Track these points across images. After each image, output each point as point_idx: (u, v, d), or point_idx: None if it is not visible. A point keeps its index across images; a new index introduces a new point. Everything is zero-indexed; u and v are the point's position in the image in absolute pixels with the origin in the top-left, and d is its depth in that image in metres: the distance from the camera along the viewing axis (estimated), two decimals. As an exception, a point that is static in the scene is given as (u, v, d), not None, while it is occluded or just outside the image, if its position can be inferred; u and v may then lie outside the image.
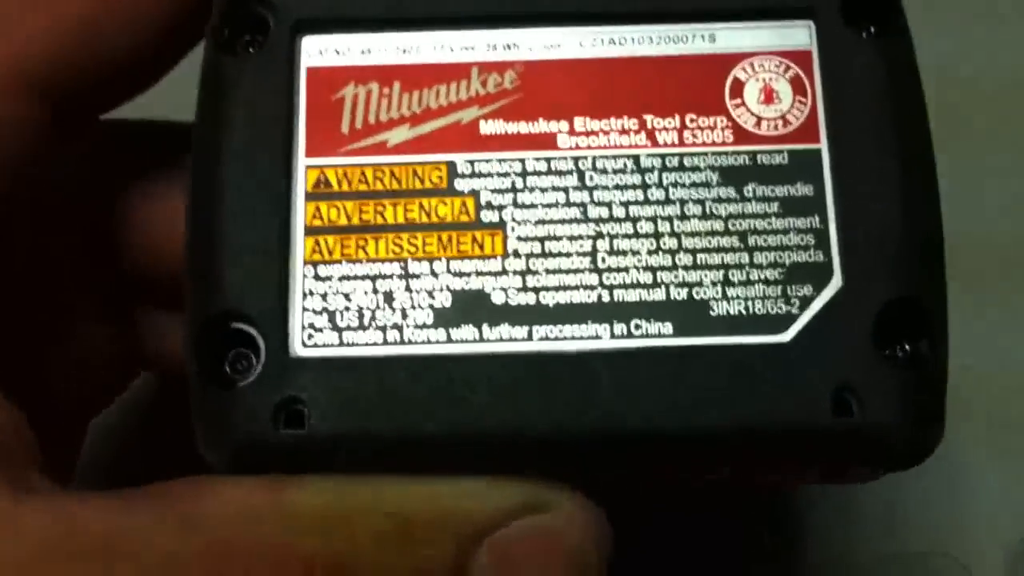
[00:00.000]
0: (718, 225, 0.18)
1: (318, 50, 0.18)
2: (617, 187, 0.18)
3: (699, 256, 0.18)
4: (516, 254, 0.18)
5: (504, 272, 0.18)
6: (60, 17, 0.19)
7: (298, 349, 0.17)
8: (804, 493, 0.26)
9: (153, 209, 0.21)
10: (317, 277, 0.18)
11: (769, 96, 0.18)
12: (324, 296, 0.17)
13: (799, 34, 0.18)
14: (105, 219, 0.21)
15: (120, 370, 0.22)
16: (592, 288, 0.17)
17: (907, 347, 0.17)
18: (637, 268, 0.18)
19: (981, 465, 0.27)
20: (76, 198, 0.21)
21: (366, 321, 0.17)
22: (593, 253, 0.18)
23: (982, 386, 0.27)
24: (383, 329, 0.17)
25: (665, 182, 0.18)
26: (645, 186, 0.18)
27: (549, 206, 0.18)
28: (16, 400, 0.18)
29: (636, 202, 0.18)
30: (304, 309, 0.17)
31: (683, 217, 0.18)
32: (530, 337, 0.17)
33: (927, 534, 0.26)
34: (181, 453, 0.18)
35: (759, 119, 0.18)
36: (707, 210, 0.18)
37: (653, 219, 0.18)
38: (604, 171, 0.18)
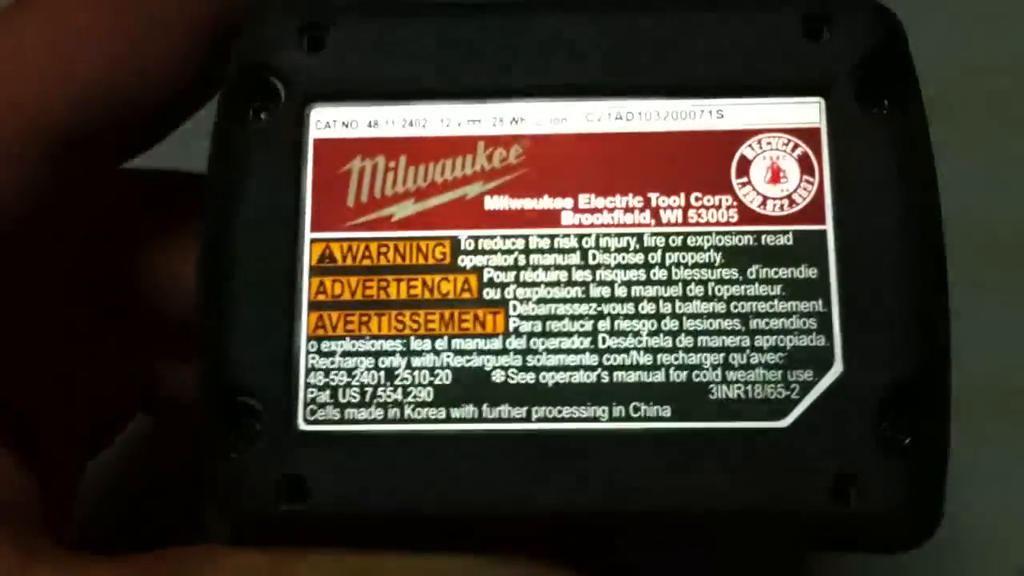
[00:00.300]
0: (720, 307, 0.18)
1: (326, 122, 0.19)
2: (620, 266, 0.18)
3: (700, 338, 0.18)
4: (517, 333, 0.18)
5: (505, 351, 0.18)
6: (77, 78, 0.19)
7: (301, 424, 0.18)
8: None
9: (162, 256, 0.21)
10: (320, 353, 0.18)
11: (776, 175, 0.18)
12: (327, 372, 0.18)
13: (809, 111, 0.18)
14: (115, 263, 0.21)
15: (118, 412, 0.23)
16: (592, 369, 0.18)
17: (908, 432, 0.17)
18: (637, 349, 0.18)
19: (983, 488, 0.27)
20: (90, 244, 0.21)
21: (368, 398, 0.18)
22: (594, 333, 0.18)
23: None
24: (384, 406, 0.18)
25: (668, 262, 0.18)
26: (648, 265, 0.18)
27: (551, 285, 0.18)
28: (16, 447, 0.18)
29: (638, 282, 0.18)
30: (307, 385, 0.18)
31: (685, 298, 0.18)
32: (529, 417, 0.17)
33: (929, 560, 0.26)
34: (173, 497, 0.18)
35: (765, 198, 0.18)
36: (709, 291, 0.18)
37: (655, 299, 0.18)
38: (607, 249, 0.18)
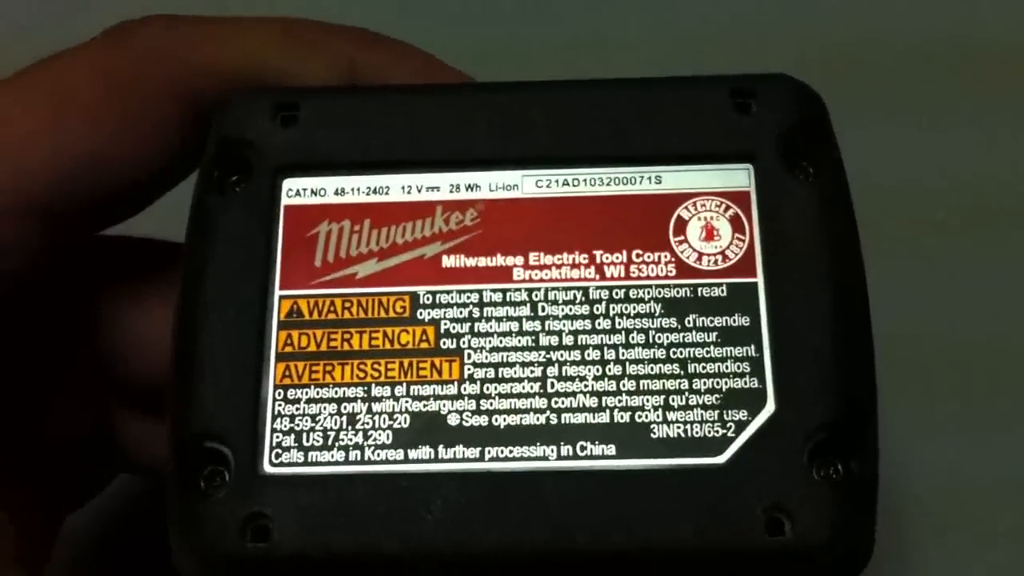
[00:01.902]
0: (660, 353, 0.19)
1: (297, 190, 0.20)
2: (567, 317, 0.19)
3: (642, 382, 0.19)
4: (471, 379, 0.19)
5: (460, 396, 0.19)
6: (65, 152, 0.20)
7: (266, 467, 0.19)
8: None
9: (138, 318, 0.22)
10: (286, 400, 0.19)
11: (710, 234, 0.20)
12: (292, 418, 0.19)
13: (739, 176, 0.20)
14: (90, 326, 0.22)
15: (97, 469, 0.24)
16: (541, 411, 0.19)
17: (839, 467, 0.18)
18: (584, 393, 0.19)
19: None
20: (65, 306, 0.22)
21: (330, 441, 0.19)
22: (543, 379, 0.19)
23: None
24: (346, 449, 0.19)
25: (612, 312, 0.19)
26: (593, 316, 0.19)
27: (504, 335, 0.19)
28: None
29: (584, 331, 0.19)
30: (273, 430, 0.19)
31: (628, 345, 0.19)
32: (482, 457, 0.19)
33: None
34: (152, 554, 0.19)
35: (700, 254, 0.19)
36: (650, 339, 0.19)
37: (600, 347, 0.19)
38: (555, 302, 0.19)
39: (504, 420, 0.19)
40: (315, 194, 0.20)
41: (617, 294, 0.19)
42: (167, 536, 0.19)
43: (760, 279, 0.19)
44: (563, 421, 0.19)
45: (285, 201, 0.20)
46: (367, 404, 0.19)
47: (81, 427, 0.23)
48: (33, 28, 0.33)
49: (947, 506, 0.28)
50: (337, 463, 0.19)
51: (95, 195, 0.20)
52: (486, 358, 0.19)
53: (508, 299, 0.19)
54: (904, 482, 0.28)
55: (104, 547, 0.27)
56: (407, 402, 0.19)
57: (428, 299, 0.19)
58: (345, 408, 0.19)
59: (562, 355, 0.19)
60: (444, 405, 0.19)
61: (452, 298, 0.19)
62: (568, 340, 0.19)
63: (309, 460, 0.19)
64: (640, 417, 0.19)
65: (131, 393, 0.22)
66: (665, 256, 0.19)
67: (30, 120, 0.20)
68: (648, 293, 0.19)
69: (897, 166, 0.31)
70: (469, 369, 0.19)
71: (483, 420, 0.19)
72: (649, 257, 0.19)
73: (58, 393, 0.22)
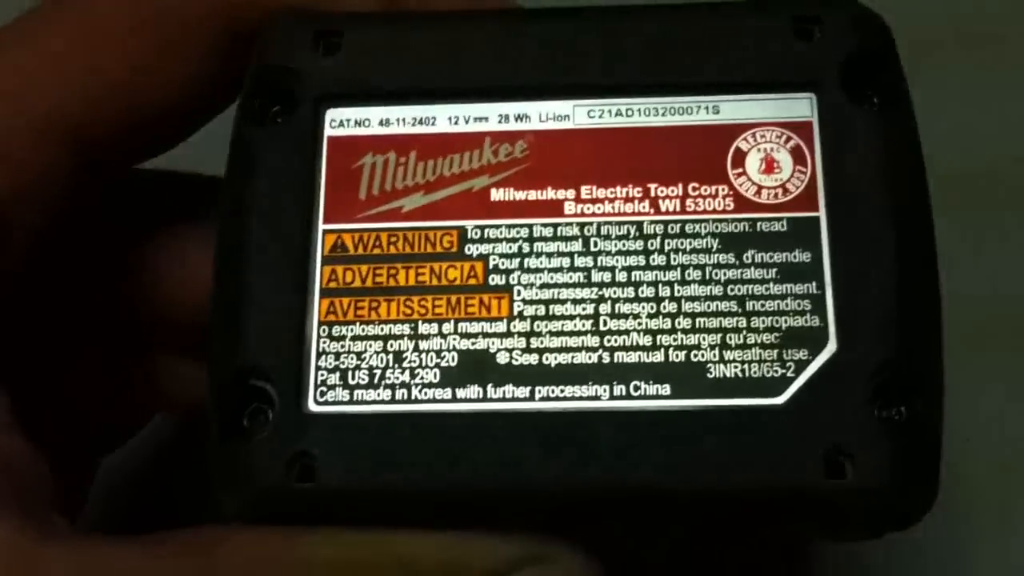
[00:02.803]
0: (717, 290, 0.18)
1: (340, 121, 0.19)
2: (620, 253, 0.19)
3: (698, 320, 0.18)
4: (521, 316, 0.18)
5: (509, 334, 0.18)
6: (99, 77, 0.20)
7: (311, 405, 0.18)
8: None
9: (176, 258, 0.22)
10: (331, 337, 0.18)
11: (770, 166, 0.19)
12: (337, 355, 0.18)
13: (800, 106, 0.19)
14: (127, 266, 0.22)
15: (133, 412, 0.23)
16: (593, 350, 0.18)
17: (902, 410, 0.18)
18: (637, 331, 0.18)
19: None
20: (104, 243, 0.22)
21: (376, 379, 0.18)
22: (595, 316, 0.18)
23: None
24: (392, 387, 0.18)
25: (667, 248, 0.18)
26: (647, 252, 0.18)
27: (555, 270, 0.19)
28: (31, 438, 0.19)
29: (638, 267, 0.18)
30: (318, 367, 0.18)
31: (683, 282, 0.18)
32: (532, 397, 0.18)
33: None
34: (192, 495, 0.19)
35: (760, 188, 0.19)
36: (707, 275, 0.18)
37: (654, 284, 0.18)
38: (608, 237, 0.19)
39: (555, 359, 0.18)
40: (359, 125, 0.19)
41: (672, 229, 0.19)
42: (202, 477, 0.18)
43: (822, 214, 0.18)
44: (616, 360, 0.18)
45: (328, 132, 0.19)
46: (414, 342, 0.18)
47: (117, 369, 0.22)
48: None
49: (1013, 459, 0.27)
50: (383, 402, 0.18)
51: (128, 123, 0.20)
52: (536, 295, 0.18)
53: (559, 234, 0.19)
54: (970, 432, 0.27)
55: (139, 489, 0.26)
56: (455, 340, 0.18)
57: (476, 234, 0.19)
58: (391, 346, 0.18)
59: (615, 292, 0.18)
60: (493, 343, 0.18)
61: (501, 233, 0.19)
62: (621, 276, 0.18)
63: (355, 398, 0.18)
64: (696, 356, 0.18)
65: (169, 333, 0.22)
66: (723, 190, 0.19)
67: (59, 43, 0.20)
68: (705, 228, 0.19)
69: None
70: (519, 306, 0.18)
71: (533, 359, 0.18)
72: (706, 191, 0.19)
73: (93, 335, 0.22)
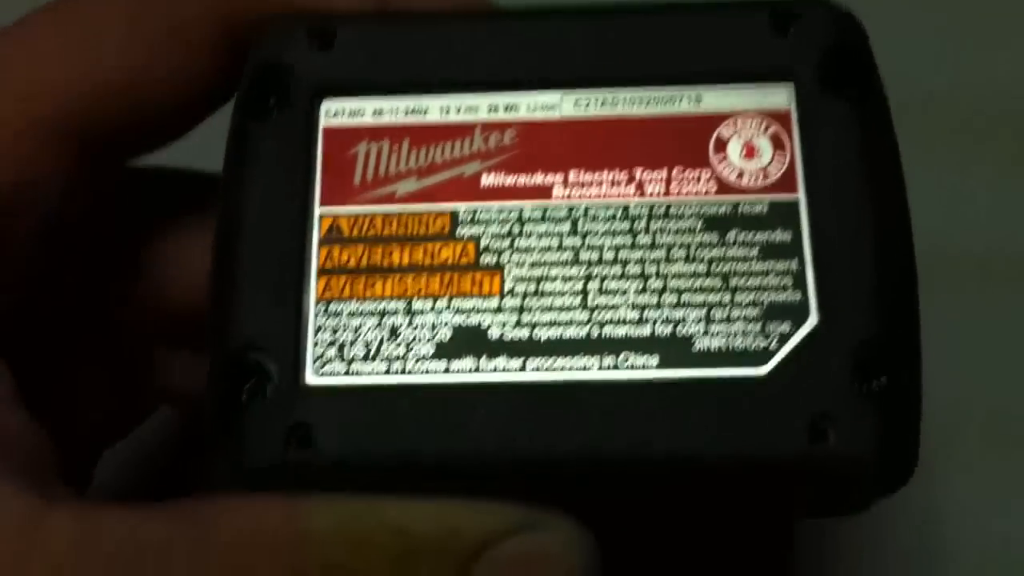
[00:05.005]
0: (701, 267, 0.19)
1: (334, 111, 0.20)
2: (607, 233, 0.19)
3: (683, 296, 0.19)
4: (512, 293, 0.19)
5: (501, 309, 0.19)
6: (99, 76, 0.20)
7: (309, 378, 0.19)
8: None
9: (176, 251, 0.22)
10: (328, 313, 0.19)
11: (751, 152, 0.20)
12: (334, 330, 0.19)
13: (779, 95, 0.20)
14: (127, 259, 0.22)
15: (133, 404, 0.24)
16: (583, 324, 0.19)
17: (882, 379, 0.18)
18: (625, 306, 0.19)
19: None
20: (102, 237, 0.22)
21: (372, 353, 0.19)
22: (584, 293, 0.19)
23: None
24: (388, 360, 0.19)
25: (652, 228, 0.19)
26: (633, 232, 0.19)
27: (544, 250, 0.19)
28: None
29: (625, 247, 0.19)
30: (315, 342, 0.19)
31: (669, 260, 0.19)
32: (524, 368, 0.18)
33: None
34: (192, 491, 0.19)
35: (741, 172, 0.19)
36: (691, 254, 0.19)
37: (641, 262, 0.19)
38: (595, 218, 0.19)
39: (545, 333, 0.19)
40: (353, 115, 0.20)
41: (657, 211, 0.19)
42: (203, 472, 0.19)
43: (801, 196, 0.19)
44: (604, 334, 0.19)
45: (324, 123, 0.20)
46: (408, 317, 0.19)
47: (117, 361, 0.23)
48: None
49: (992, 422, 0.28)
50: (379, 374, 0.19)
51: (128, 120, 0.20)
52: (526, 272, 0.19)
53: (548, 216, 0.19)
54: (948, 397, 0.27)
55: (139, 482, 0.26)
56: (448, 315, 0.19)
57: (468, 216, 0.19)
58: (386, 321, 0.19)
59: (603, 270, 0.19)
60: (485, 318, 0.19)
61: (492, 215, 0.19)
62: (609, 255, 0.19)
63: (351, 371, 0.19)
64: (682, 329, 0.19)
65: (169, 326, 0.22)
66: (706, 174, 0.19)
67: (59, 41, 0.20)
68: (689, 210, 0.19)
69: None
70: (510, 283, 0.19)
71: (524, 333, 0.19)
72: (690, 174, 0.19)
73: (94, 327, 0.22)
